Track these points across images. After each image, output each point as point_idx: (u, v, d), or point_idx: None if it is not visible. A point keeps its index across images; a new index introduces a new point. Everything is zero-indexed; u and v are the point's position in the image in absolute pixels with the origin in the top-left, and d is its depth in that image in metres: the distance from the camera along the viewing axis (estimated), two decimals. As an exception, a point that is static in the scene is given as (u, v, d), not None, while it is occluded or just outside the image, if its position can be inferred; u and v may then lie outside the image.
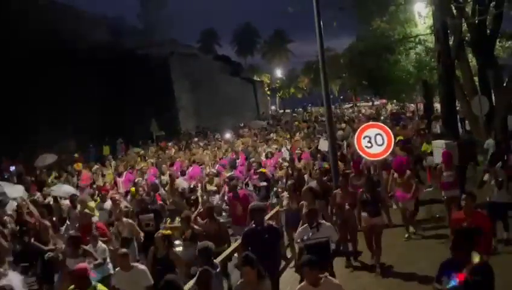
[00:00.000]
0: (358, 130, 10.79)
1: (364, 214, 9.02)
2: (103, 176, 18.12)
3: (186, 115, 38.57)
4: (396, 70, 25.86)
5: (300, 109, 66.17)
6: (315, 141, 20.40)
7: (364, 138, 10.35)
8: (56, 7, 32.35)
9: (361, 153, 10.72)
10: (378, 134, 10.30)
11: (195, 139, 30.41)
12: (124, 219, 9.93)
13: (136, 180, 14.96)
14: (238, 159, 19.10)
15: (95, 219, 10.81)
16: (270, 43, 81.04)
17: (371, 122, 11.83)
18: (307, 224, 7.69)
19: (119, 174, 17.28)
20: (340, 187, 9.98)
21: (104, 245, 8.76)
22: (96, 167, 19.91)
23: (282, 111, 75.28)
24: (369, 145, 10.35)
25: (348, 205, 9.52)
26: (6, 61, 23.73)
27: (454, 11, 19.08)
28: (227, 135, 30.26)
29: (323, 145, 16.60)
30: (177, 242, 8.81)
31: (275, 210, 11.25)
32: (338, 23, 17.49)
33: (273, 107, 77.21)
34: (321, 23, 10.99)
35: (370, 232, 9.05)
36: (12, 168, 21.63)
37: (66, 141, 26.68)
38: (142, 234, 9.82)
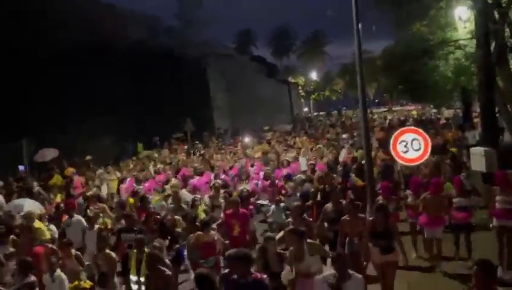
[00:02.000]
0: (395, 134, 10.67)
1: (374, 249, 7.63)
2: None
3: (220, 115, 38.85)
4: (434, 75, 25.39)
5: (335, 112, 65.76)
6: (338, 150, 18.87)
7: (400, 142, 10.25)
8: (96, 5, 33.15)
9: (397, 158, 10.60)
10: (415, 139, 10.19)
11: (216, 141, 29.05)
12: (107, 250, 8.43)
13: (135, 189, 13.58)
14: (252, 167, 17.17)
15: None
16: (306, 44, 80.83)
17: (407, 127, 11.65)
18: (330, 276, 6.03)
19: (123, 180, 16.21)
20: (350, 212, 8.46)
21: (63, 275, 7.60)
22: (100, 171, 17.89)
23: (316, 114, 74.97)
24: (405, 150, 10.24)
25: (357, 237, 8.17)
26: (47, 58, 24.36)
27: (497, 16, 18.61)
28: (246, 139, 27.89)
29: (342, 154, 16.05)
30: None
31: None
32: (376, 26, 17.34)
33: (305, 109, 76.93)
34: (359, 26, 10.92)
35: (381, 272, 7.67)
36: (21, 167, 21.05)
37: (104, 138, 27.29)
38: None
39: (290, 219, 9.38)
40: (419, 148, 10.15)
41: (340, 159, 16.22)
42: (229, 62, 43.04)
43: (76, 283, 7.32)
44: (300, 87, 74.63)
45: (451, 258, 9.58)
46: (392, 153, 10.62)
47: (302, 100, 75.92)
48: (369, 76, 44.84)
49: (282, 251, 7.06)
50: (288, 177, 14.60)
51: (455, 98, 31.20)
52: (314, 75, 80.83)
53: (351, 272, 6.03)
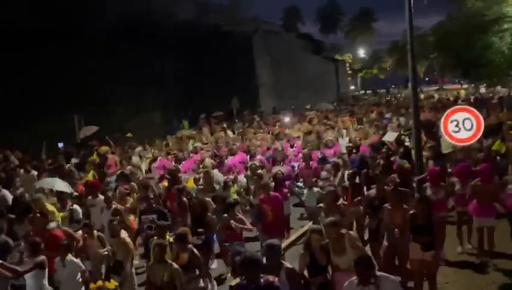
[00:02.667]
0: (445, 113, 10.35)
1: (415, 244, 6.98)
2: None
3: (266, 93, 38.84)
4: (488, 52, 24.43)
5: (383, 90, 64.50)
6: (380, 130, 17.51)
7: (451, 122, 9.93)
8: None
9: (447, 138, 10.30)
10: (467, 118, 9.82)
11: (257, 119, 27.71)
12: (122, 235, 7.85)
13: (169, 168, 12.86)
14: (292, 148, 16.23)
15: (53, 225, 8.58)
16: (354, 21, 79.20)
17: (459, 106, 11.27)
18: (355, 280, 5.21)
19: (154, 159, 15.69)
20: (391, 201, 7.69)
21: (75, 260, 7.35)
22: (139, 148, 17.80)
23: (363, 92, 73.74)
24: (457, 129, 9.91)
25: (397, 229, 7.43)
26: (94, 39, 24.85)
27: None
28: (286, 119, 26.40)
29: (390, 136, 14.78)
30: None
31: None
32: (428, 0, 16.77)
33: (352, 87, 75.75)
34: (411, 0, 10.56)
35: (420, 270, 7.01)
36: (60, 145, 20.74)
37: (152, 113, 27.85)
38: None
39: (322, 204, 8.76)
40: (471, 128, 9.82)
41: (385, 138, 15.02)
42: (276, 39, 42.78)
43: (100, 283, 6.83)
44: (347, 65, 73.44)
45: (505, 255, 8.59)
46: (443, 132, 10.32)
47: (349, 78, 74.77)
48: (419, 53, 43.57)
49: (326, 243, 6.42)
50: (323, 160, 13.47)
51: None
52: (361, 53, 79.29)
53: (379, 274, 5.28)
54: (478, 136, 10.08)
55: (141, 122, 25.83)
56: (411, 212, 7.11)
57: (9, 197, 11.44)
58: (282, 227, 9.38)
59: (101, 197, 10.25)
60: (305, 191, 11.40)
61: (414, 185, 9.82)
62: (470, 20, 24.28)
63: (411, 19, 10.64)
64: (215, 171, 12.49)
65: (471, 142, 10.15)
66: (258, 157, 14.49)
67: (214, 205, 9.56)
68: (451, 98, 33.16)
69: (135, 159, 15.77)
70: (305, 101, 39.25)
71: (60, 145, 20.72)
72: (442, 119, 10.25)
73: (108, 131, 21.22)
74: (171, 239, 7.30)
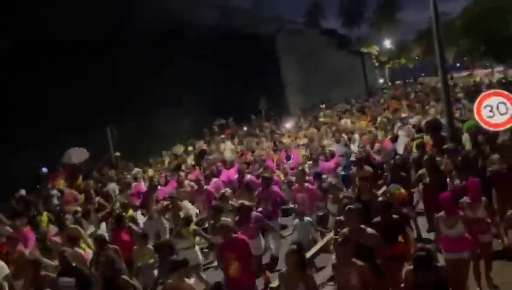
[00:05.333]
0: (478, 98, 10.09)
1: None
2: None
3: (293, 92, 38.75)
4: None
5: (411, 80, 63.42)
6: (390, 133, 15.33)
7: (485, 107, 9.70)
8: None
9: (482, 123, 10.02)
10: (502, 102, 9.60)
11: (266, 124, 25.93)
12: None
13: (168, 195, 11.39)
14: (289, 160, 14.51)
15: None
16: (378, 12, 78.17)
17: (492, 90, 10.96)
18: None
19: (166, 182, 14.04)
20: (339, 255, 5.90)
21: None
22: (136, 170, 15.88)
23: (390, 83, 72.69)
24: (491, 114, 9.69)
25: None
26: (123, 47, 25.20)
27: None
28: (288, 125, 23.56)
29: (400, 143, 12.76)
30: None
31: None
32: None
33: (381, 80, 74.72)
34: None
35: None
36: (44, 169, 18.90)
37: (182, 121, 28.09)
38: None
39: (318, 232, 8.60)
40: (506, 112, 9.56)
41: (399, 149, 12.82)
42: (299, 37, 42.65)
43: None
44: (374, 57, 72.51)
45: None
46: (477, 118, 10.06)
47: (377, 70, 73.79)
48: (447, 39, 42.67)
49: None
50: (317, 177, 10.99)
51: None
52: (388, 44, 78.18)
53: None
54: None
55: (173, 128, 26.11)
56: (409, 268, 5.55)
57: None
58: (251, 280, 7.18)
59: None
60: (295, 221, 9.16)
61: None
62: (497, 2, 23.66)
63: (435, 5, 10.44)
64: (185, 203, 10.98)
65: (508, 126, 9.86)
66: (248, 176, 12.16)
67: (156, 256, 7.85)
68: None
69: (111, 187, 13.99)
70: (333, 97, 38.98)
71: (44, 170, 18.54)
72: (476, 105, 10.01)
73: (143, 140, 21.56)
74: None
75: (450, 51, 62.50)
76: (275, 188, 10.49)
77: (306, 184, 10.19)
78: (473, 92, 24.08)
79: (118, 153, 21.22)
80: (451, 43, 55.67)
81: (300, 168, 11.80)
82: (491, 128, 10.10)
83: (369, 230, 6.34)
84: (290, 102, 37.56)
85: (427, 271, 5.17)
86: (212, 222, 8.72)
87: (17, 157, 19.40)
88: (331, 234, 8.09)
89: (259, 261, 8.47)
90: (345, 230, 6.52)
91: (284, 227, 11.02)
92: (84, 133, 21.47)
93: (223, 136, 23.54)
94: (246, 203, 8.62)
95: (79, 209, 11.10)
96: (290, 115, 32.04)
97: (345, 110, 27.27)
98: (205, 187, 11.61)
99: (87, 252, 8.93)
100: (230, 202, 9.95)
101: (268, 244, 9.61)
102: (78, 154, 18.58)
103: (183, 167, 15.68)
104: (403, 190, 8.29)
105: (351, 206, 6.70)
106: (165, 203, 10.93)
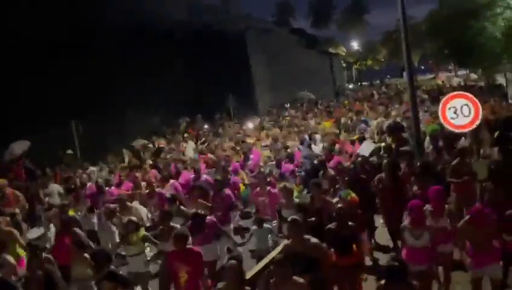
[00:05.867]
0: (443, 99, 10.38)
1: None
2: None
3: (262, 90, 38.84)
4: (480, 38, 24.43)
5: (378, 82, 64.54)
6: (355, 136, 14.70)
7: (449, 108, 9.97)
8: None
9: (445, 124, 10.32)
10: (465, 104, 9.87)
11: (230, 123, 25.63)
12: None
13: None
14: (248, 161, 14.05)
15: None
16: (346, 14, 79.16)
17: (456, 92, 11.28)
18: None
19: (119, 182, 13.05)
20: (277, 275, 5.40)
21: None
22: (91, 169, 15.64)
23: (359, 84, 73.71)
24: (455, 116, 9.96)
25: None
26: (92, 44, 24.83)
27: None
28: (250, 125, 22.96)
29: (366, 148, 12.03)
30: None
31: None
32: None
33: (347, 82, 75.64)
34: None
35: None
36: None
37: (150, 119, 27.83)
38: None
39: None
40: (469, 114, 9.84)
41: (360, 151, 12.05)
42: (269, 36, 42.79)
43: None
44: (342, 58, 73.36)
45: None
46: (441, 119, 10.35)
47: (344, 71, 74.67)
48: (413, 42, 43.47)
49: None
50: (281, 179, 11.13)
51: (505, 62, 29.89)
52: (355, 45, 79.21)
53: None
54: (476, 123, 10.09)
55: (142, 127, 25.81)
56: (381, 284, 5.10)
57: None
58: None
59: None
60: (252, 228, 8.58)
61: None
62: (461, 6, 24.29)
63: (404, 9, 10.68)
64: (136, 205, 10.39)
65: (470, 128, 10.16)
66: (204, 176, 11.82)
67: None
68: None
69: (54, 188, 13.16)
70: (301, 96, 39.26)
71: None
72: (440, 106, 10.28)
73: (111, 137, 21.16)
74: None
75: (415, 54, 63.80)
76: (227, 191, 9.93)
77: (268, 187, 9.74)
78: (437, 94, 24.78)
79: (69, 151, 20.11)
80: (417, 46, 56.93)
81: (261, 169, 11.27)
82: (454, 130, 10.41)
83: (313, 240, 6.04)
84: (259, 100, 37.66)
85: (401, 283, 4.82)
86: (160, 227, 8.03)
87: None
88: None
89: (214, 267, 8.05)
90: (288, 242, 6.25)
91: (246, 229, 10.35)
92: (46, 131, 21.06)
93: (186, 135, 22.87)
94: (200, 210, 8.21)
95: (17, 211, 10.21)
96: (259, 113, 32.14)
97: (309, 110, 27.37)
98: (157, 190, 10.94)
99: (22, 257, 8.36)
100: (181, 207, 9.22)
101: (222, 251, 8.96)
102: (19, 146, 17.06)
103: (145, 166, 14.87)
104: (353, 195, 8.00)
105: (294, 217, 6.39)
106: (112, 205, 9.96)
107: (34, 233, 9.59)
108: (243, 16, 43.97)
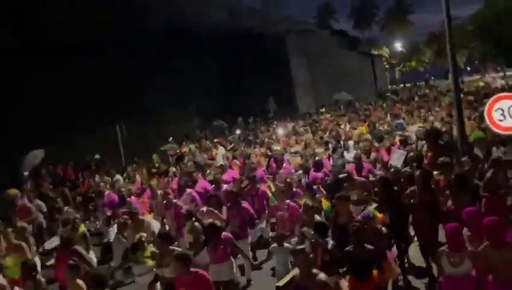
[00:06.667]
0: (489, 101, 10.00)
1: None
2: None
3: (303, 93, 38.70)
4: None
5: (423, 83, 63.15)
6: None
7: (496, 110, 9.58)
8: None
9: (492, 127, 9.92)
10: (512, 106, 9.50)
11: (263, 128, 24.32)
12: None
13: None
14: (281, 168, 12.90)
15: None
16: (389, 14, 77.93)
17: (504, 94, 10.85)
18: None
19: (141, 191, 12.64)
20: None
21: None
22: (117, 177, 14.81)
23: (402, 85, 72.35)
24: (502, 118, 9.58)
25: None
26: (132, 46, 25.31)
27: None
28: (280, 130, 21.57)
29: (398, 157, 11.16)
30: None
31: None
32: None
33: (389, 84, 74.34)
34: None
35: None
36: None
37: (190, 120, 28.17)
38: None
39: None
40: (517, 116, 9.46)
41: (392, 162, 11.27)
42: (310, 38, 42.55)
43: None
44: (384, 60, 72.25)
45: None
46: (487, 121, 9.97)
47: (387, 73, 73.49)
48: (458, 43, 42.35)
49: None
50: (308, 189, 10.06)
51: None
52: (398, 46, 77.85)
53: None
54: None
55: (180, 129, 26.18)
56: None
57: None
58: None
59: None
60: (272, 246, 7.91)
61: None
62: (508, 5, 23.51)
63: (448, 8, 10.39)
64: (148, 219, 9.83)
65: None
66: (225, 186, 11.06)
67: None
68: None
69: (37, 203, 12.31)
70: (344, 98, 38.84)
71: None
72: (486, 109, 9.91)
73: (151, 140, 21.45)
74: None
75: (461, 55, 62.18)
76: (244, 204, 9.31)
77: (288, 201, 8.88)
78: (483, 95, 23.78)
79: (97, 156, 19.88)
80: (462, 47, 55.47)
81: (288, 180, 10.23)
82: (502, 132, 10.02)
83: (321, 277, 5.52)
84: (300, 103, 37.52)
85: None
86: (158, 251, 7.38)
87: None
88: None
89: (230, 288, 7.42)
90: (296, 272, 5.83)
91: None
92: (93, 132, 21.54)
93: (216, 140, 21.90)
94: (216, 222, 7.54)
95: (25, 225, 9.81)
96: (299, 116, 31.97)
97: (342, 114, 26.10)
98: (174, 201, 10.09)
99: None
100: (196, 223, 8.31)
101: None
102: (35, 155, 16.36)
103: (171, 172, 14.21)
104: (378, 214, 7.27)
105: (300, 247, 6.00)
106: (123, 218, 9.38)
107: (54, 242, 9.30)
108: (283, 18, 43.91)
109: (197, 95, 28.71)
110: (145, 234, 8.04)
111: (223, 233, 7.40)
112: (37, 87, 21.54)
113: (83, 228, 9.54)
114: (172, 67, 27.48)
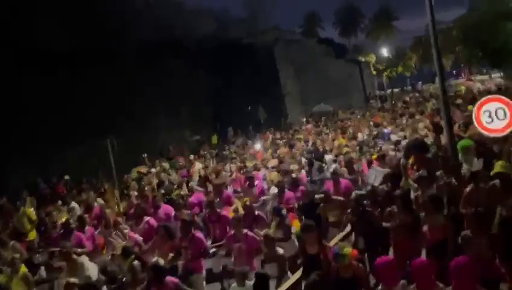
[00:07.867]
0: (477, 104, 10.14)
1: None
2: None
3: (292, 101, 38.90)
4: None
5: (410, 87, 63.67)
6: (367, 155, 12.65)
7: (484, 112, 9.73)
8: (165, 3, 34.14)
9: (480, 129, 10.06)
10: (500, 108, 9.63)
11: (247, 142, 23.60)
12: None
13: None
14: (253, 185, 11.53)
15: None
16: (374, 21, 78.58)
17: (491, 96, 10.98)
18: None
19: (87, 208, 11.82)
20: None
21: None
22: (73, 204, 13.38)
23: (389, 91, 72.82)
24: (490, 120, 9.72)
25: None
26: (121, 56, 25.34)
27: None
28: (256, 146, 20.45)
29: (375, 174, 10.39)
30: None
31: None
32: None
33: (378, 92, 74.74)
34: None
35: None
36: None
37: (181, 130, 28.17)
38: None
39: None
40: (505, 118, 9.60)
41: (371, 178, 10.39)
42: (297, 47, 42.89)
43: None
44: (372, 66, 72.71)
45: None
46: (475, 124, 10.10)
47: (375, 78, 73.95)
48: (444, 47, 42.78)
49: None
50: (277, 213, 8.69)
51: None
52: (385, 52, 78.47)
53: None
54: (513, 126, 9.77)
55: (173, 139, 26.18)
56: None
57: None
58: None
59: None
60: (232, 286, 7.02)
61: None
62: (491, 9, 23.88)
63: (433, 13, 10.54)
64: (85, 260, 8.35)
65: (506, 132, 9.90)
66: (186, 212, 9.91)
67: None
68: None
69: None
70: (332, 106, 39.09)
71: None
72: (474, 110, 10.04)
73: (141, 150, 21.42)
74: None
75: (447, 58, 62.78)
76: (198, 234, 8.29)
77: (245, 230, 8.01)
78: (470, 98, 23.98)
79: (67, 177, 19.04)
80: (448, 51, 56.03)
81: (247, 203, 9.22)
82: (490, 134, 10.15)
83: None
84: (289, 112, 37.67)
85: None
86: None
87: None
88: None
89: None
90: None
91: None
92: (83, 144, 21.39)
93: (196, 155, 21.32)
94: (159, 262, 6.78)
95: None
96: (289, 124, 32.07)
97: (322, 124, 25.32)
98: (126, 231, 9.31)
99: None
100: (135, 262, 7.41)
101: None
102: None
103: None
104: (350, 249, 5.89)
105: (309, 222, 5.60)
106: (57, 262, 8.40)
107: None
108: (270, 28, 44.22)
109: (187, 105, 28.74)
110: (75, 280, 7.23)
111: (168, 277, 6.49)
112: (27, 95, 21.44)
113: (23, 269, 8.27)
114: (162, 78, 27.51)
